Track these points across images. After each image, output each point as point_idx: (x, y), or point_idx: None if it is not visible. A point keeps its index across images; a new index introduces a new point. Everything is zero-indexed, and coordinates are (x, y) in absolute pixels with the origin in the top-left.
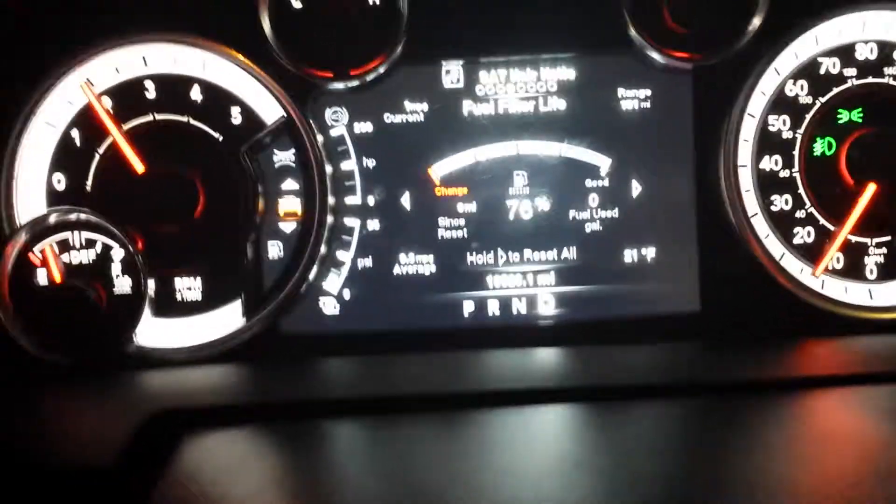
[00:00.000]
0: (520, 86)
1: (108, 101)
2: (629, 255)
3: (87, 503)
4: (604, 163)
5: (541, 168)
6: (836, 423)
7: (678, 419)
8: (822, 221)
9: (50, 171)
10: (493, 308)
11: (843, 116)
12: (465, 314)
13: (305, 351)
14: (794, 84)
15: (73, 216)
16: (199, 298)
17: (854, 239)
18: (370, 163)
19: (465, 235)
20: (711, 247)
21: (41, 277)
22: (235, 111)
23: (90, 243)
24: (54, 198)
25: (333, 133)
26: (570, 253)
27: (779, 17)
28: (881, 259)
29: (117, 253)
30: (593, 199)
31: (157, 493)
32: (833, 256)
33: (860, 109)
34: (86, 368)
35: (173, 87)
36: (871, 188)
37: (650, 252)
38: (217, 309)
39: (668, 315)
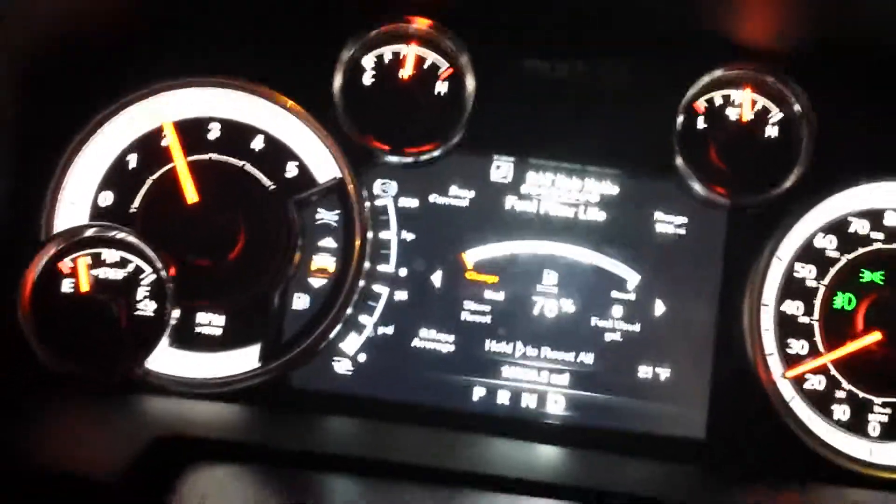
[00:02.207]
0: (563, 191)
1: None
2: (643, 372)
3: None
4: (632, 278)
5: (571, 271)
6: None
7: None
8: (834, 372)
9: (99, 188)
10: (504, 398)
11: (866, 276)
12: (475, 398)
13: (312, 405)
14: (824, 238)
15: (111, 233)
16: (219, 336)
17: (861, 395)
18: (408, 236)
19: (488, 322)
20: (724, 378)
21: (66, 286)
22: (291, 165)
23: (123, 262)
24: (98, 214)
25: (379, 202)
26: (586, 358)
27: (817, 174)
28: (885, 419)
29: (148, 276)
30: (617, 311)
31: None
32: (808, 371)
33: (882, 272)
34: (92, 384)
35: (237, 133)
36: (876, 335)
37: (664, 372)
38: (233, 349)
39: (672, 437)
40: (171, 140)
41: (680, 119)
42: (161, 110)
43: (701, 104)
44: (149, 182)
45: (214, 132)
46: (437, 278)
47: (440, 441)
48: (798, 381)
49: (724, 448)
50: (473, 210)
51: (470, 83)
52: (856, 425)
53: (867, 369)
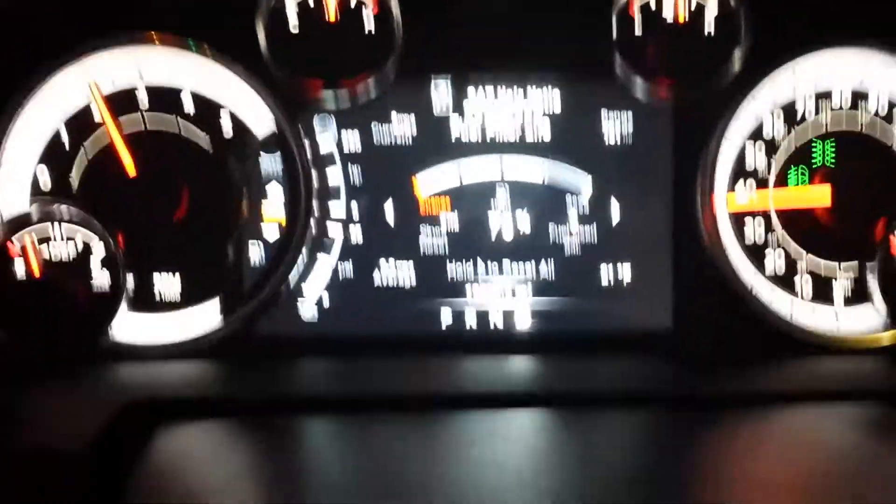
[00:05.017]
0: (506, 105)
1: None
2: (605, 273)
3: (60, 491)
4: (584, 183)
5: (523, 185)
6: (798, 433)
7: (643, 426)
8: (794, 245)
9: (36, 166)
10: (471, 317)
11: (817, 150)
12: (443, 322)
13: (281, 352)
14: (772, 116)
15: (54, 208)
16: (178, 296)
17: (822, 266)
18: (356, 173)
19: (447, 246)
20: (685, 269)
21: (19, 269)
22: (226, 119)
23: (71, 237)
24: (38, 192)
25: (321, 143)
26: (547, 268)
27: (758, 54)
28: (848, 284)
29: (97, 248)
30: (573, 217)
31: (130, 482)
32: (751, 211)
33: (832, 144)
34: (60, 362)
35: (166, 95)
36: (825, 188)
37: (626, 271)
38: (195, 306)
39: (640, 331)
40: (103, 117)
41: (615, 26)
42: (86, 78)
43: (635, 7)
44: (85, 156)
45: (143, 100)
46: (389, 210)
47: (413, 369)
48: (758, 261)
49: (692, 334)
50: (418, 137)
51: (396, 7)
52: (819, 295)
53: (825, 241)
